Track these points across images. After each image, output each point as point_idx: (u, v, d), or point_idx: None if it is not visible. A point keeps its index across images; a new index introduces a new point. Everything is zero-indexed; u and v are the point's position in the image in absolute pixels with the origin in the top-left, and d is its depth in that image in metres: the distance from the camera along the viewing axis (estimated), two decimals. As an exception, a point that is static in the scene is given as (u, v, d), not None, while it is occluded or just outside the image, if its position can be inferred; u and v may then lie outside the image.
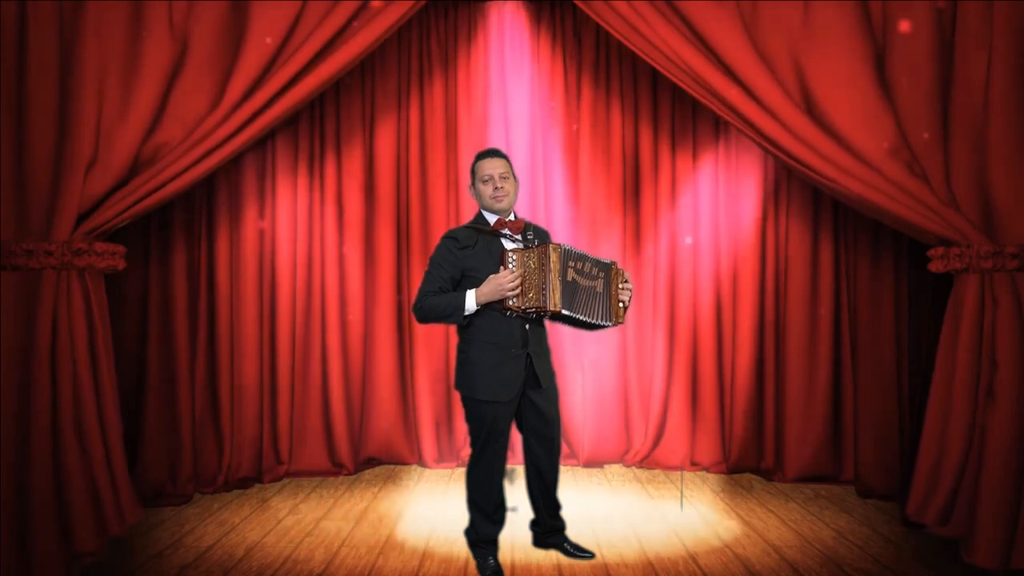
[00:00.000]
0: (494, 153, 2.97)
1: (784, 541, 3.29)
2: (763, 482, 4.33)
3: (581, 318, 2.82)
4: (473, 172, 2.98)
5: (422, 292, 2.86)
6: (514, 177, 2.98)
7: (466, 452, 4.53)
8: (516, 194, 2.98)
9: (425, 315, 2.86)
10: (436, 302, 2.82)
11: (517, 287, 2.75)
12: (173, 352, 4.00)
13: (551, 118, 4.71)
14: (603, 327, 2.93)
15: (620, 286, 2.93)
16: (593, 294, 2.83)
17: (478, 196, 2.97)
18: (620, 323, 2.96)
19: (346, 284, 4.58)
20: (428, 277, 2.88)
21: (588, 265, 2.83)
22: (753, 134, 3.37)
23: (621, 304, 2.93)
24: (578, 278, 2.79)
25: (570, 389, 4.63)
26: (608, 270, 2.90)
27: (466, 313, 2.80)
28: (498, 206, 2.91)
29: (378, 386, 4.63)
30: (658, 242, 4.69)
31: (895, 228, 3.43)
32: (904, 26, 3.26)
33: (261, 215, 4.37)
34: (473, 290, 2.79)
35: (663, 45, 3.36)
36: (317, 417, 4.48)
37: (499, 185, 2.89)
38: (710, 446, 4.57)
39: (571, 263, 2.78)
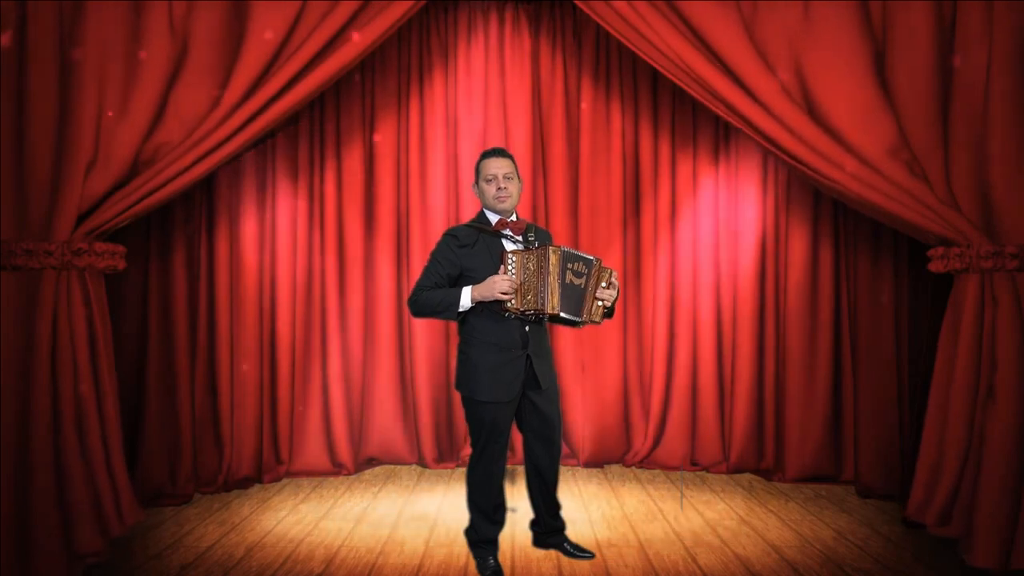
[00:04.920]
0: (499, 152, 2.96)
1: (784, 541, 3.29)
2: (763, 482, 4.33)
3: (575, 319, 2.81)
4: (477, 170, 2.97)
5: (418, 286, 2.88)
6: (518, 178, 2.97)
7: (466, 452, 4.53)
8: (519, 195, 2.98)
9: (419, 309, 2.87)
10: (431, 297, 2.83)
11: (510, 292, 2.74)
12: (173, 352, 4.00)
13: (551, 118, 4.70)
14: (579, 325, 2.86)
15: (603, 284, 2.84)
16: (580, 292, 2.81)
17: (481, 195, 2.97)
18: (595, 322, 2.85)
19: (346, 284, 4.58)
20: (426, 272, 2.89)
21: (580, 264, 2.80)
22: (753, 134, 3.37)
23: (600, 303, 2.84)
24: (574, 279, 2.78)
25: (570, 389, 4.63)
26: (591, 265, 2.82)
27: (460, 309, 2.80)
28: (501, 206, 2.91)
29: (378, 386, 4.63)
30: (658, 242, 4.69)
31: (895, 228, 3.44)
32: (904, 26, 3.27)
33: (261, 215, 4.37)
34: (469, 287, 2.80)
35: (663, 45, 3.36)
36: (317, 417, 4.48)
37: (502, 185, 2.89)
38: (710, 446, 4.57)
39: (569, 265, 2.77)
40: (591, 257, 2.84)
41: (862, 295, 4.18)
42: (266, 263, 4.39)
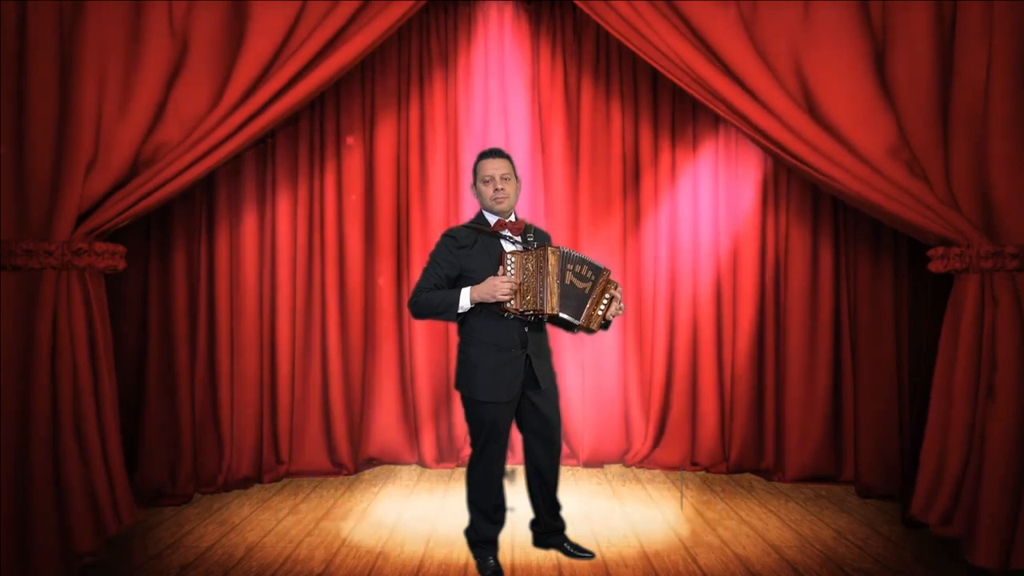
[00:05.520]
0: (496, 153, 2.97)
1: (784, 541, 3.29)
2: (763, 482, 4.33)
3: (573, 321, 2.81)
4: (475, 171, 2.97)
5: (418, 288, 2.88)
6: (516, 178, 2.97)
7: (466, 452, 4.53)
8: (517, 195, 2.98)
9: (419, 310, 2.87)
10: (430, 298, 2.83)
11: (511, 295, 2.74)
12: (173, 352, 4.00)
13: (551, 118, 4.70)
14: (574, 330, 2.86)
15: (607, 295, 2.86)
16: (581, 296, 2.82)
17: (479, 196, 2.97)
18: (590, 331, 2.84)
19: (346, 284, 4.57)
20: (425, 273, 2.89)
21: (585, 268, 2.81)
22: (753, 133, 3.37)
23: (599, 313, 2.84)
24: (576, 281, 2.79)
25: (570, 389, 4.62)
26: (599, 274, 2.84)
27: (460, 311, 2.80)
28: (498, 207, 2.91)
29: (378, 386, 4.63)
30: (658, 243, 4.69)
31: (895, 228, 3.44)
32: (904, 26, 3.27)
33: (261, 215, 4.37)
34: (468, 288, 2.80)
35: (663, 45, 3.36)
36: (317, 417, 4.48)
37: (500, 187, 2.89)
38: (710, 446, 4.57)
39: (569, 266, 2.77)
40: (601, 266, 2.85)
41: (862, 295, 4.18)
42: (266, 263, 4.38)
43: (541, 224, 4.57)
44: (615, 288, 2.88)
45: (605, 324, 2.89)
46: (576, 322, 2.80)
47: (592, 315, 2.83)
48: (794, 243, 4.36)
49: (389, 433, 4.65)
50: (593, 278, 2.82)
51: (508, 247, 2.90)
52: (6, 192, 2.97)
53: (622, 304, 2.92)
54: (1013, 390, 2.94)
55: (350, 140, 4.56)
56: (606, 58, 4.69)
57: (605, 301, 2.85)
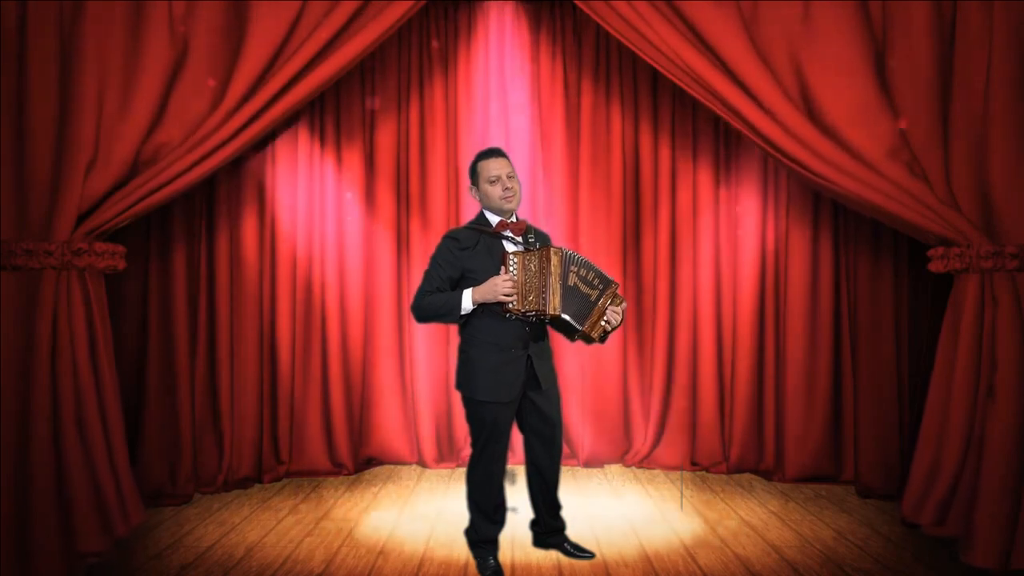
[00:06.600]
0: (499, 153, 2.96)
1: (784, 541, 3.29)
2: (763, 482, 4.33)
3: (576, 324, 2.80)
4: (476, 172, 2.96)
5: (420, 291, 2.87)
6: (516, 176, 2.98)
7: (466, 452, 4.53)
8: (520, 194, 2.98)
9: (423, 314, 2.87)
10: (433, 301, 2.83)
11: (512, 292, 2.74)
12: (173, 352, 3.99)
13: (551, 118, 4.70)
14: (573, 336, 2.86)
15: (612, 308, 2.85)
16: (586, 303, 2.82)
17: (483, 197, 2.95)
18: (591, 339, 2.83)
19: (346, 284, 4.58)
20: (427, 276, 2.88)
21: (591, 274, 2.81)
22: (752, 134, 3.37)
23: (605, 323, 2.84)
24: (579, 284, 2.79)
25: (570, 389, 4.62)
26: (608, 285, 2.84)
27: (462, 312, 2.80)
28: (508, 206, 2.90)
29: (378, 386, 4.63)
30: (658, 242, 4.69)
31: (895, 228, 3.44)
32: (904, 26, 3.27)
33: (261, 215, 4.37)
34: (470, 289, 2.80)
35: (663, 45, 3.36)
36: (317, 417, 4.48)
37: (508, 185, 2.89)
38: (710, 446, 4.56)
39: (573, 268, 2.77)
40: (610, 278, 2.86)
41: (862, 295, 4.18)
42: (266, 263, 4.38)
43: (541, 225, 4.57)
44: (620, 303, 2.88)
45: (603, 336, 2.87)
46: (579, 327, 2.80)
47: (595, 324, 2.83)
48: (794, 243, 4.36)
49: (389, 433, 4.65)
50: (601, 287, 2.83)
51: (510, 247, 2.89)
52: (6, 192, 2.97)
53: (623, 316, 2.90)
54: (1013, 390, 2.94)
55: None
56: (606, 58, 4.69)
57: (610, 312, 2.84)
